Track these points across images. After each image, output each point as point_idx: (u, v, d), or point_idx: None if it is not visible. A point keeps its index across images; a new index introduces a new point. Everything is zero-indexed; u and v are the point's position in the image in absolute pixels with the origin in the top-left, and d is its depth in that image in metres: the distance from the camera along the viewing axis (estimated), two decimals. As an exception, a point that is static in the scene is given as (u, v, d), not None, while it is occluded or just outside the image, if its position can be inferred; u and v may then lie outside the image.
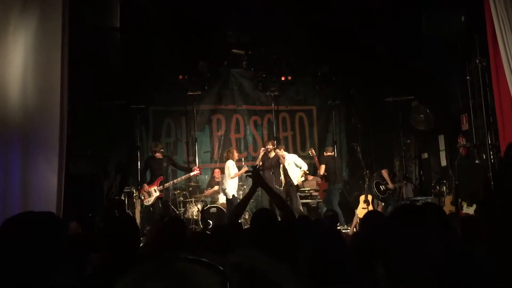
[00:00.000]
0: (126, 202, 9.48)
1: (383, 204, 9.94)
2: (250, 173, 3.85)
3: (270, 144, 9.68)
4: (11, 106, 5.81)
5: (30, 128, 5.98)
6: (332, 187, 10.01)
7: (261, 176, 3.89)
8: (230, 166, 9.64)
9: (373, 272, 1.39)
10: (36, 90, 6.09)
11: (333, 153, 10.31)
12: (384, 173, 9.76)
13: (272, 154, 9.55)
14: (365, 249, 2.76)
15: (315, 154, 10.67)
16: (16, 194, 5.67)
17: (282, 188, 9.51)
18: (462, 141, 8.96)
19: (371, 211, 7.33)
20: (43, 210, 5.13)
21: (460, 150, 8.91)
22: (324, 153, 10.48)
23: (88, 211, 7.55)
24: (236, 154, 9.89)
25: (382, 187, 9.62)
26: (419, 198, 9.68)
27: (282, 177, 9.67)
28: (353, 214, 9.75)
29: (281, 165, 9.66)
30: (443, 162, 10.03)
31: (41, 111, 6.05)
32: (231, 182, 9.44)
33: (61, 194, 6.16)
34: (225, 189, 9.55)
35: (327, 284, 1.99)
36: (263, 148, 9.77)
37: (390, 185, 9.60)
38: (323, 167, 10.07)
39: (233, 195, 9.41)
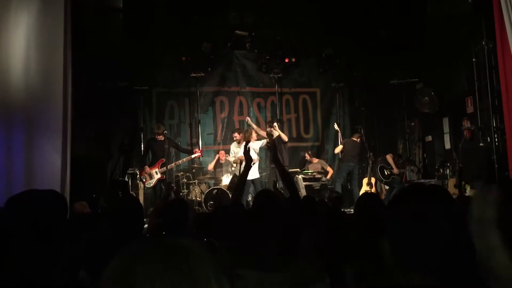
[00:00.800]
0: (130, 183, 9.53)
1: (387, 187, 9.96)
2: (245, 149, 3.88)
3: (272, 125, 9.64)
4: (14, 87, 5.81)
5: (33, 109, 5.98)
6: (341, 164, 10.27)
7: (276, 151, 3.96)
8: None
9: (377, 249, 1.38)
10: (39, 71, 6.07)
11: (358, 139, 10.22)
12: (389, 158, 9.75)
13: (276, 134, 9.51)
14: (362, 228, 2.77)
15: (339, 130, 10.95)
16: (20, 175, 5.69)
17: (287, 168, 9.51)
18: (466, 123, 8.92)
19: (365, 193, 7.39)
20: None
21: (465, 133, 8.88)
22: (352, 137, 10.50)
23: (92, 192, 7.59)
24: (254, 134, 9.79)
25: (386, 172, 9.62)
26: (422, 180, 9.68)
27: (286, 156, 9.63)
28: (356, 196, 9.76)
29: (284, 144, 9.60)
30: (447, 145, 10.00)
31: (44, 92, 6.04)
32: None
33: (65, 174, 6.18)
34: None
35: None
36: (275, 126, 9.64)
37: (395, 170, 9.60)
38: (340, 147, 10.37)
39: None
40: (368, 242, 2.25)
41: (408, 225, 1.30)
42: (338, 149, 10.47)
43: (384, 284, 1.36)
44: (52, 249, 1.55)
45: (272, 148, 3.77)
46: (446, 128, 10.09)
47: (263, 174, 10.11)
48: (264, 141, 9.44)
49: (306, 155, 11.18)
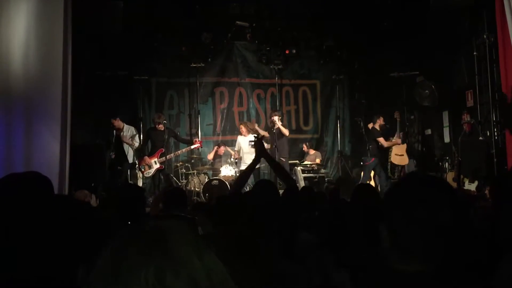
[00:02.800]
0: (129, 173, 9.53)
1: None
2: (253, 142, 3.83)
3: (275, 115, 9.57)
4: (13, 74, 5.79)
5: (32, 96, 5.96)
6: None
7: (263, 146, 3.85)
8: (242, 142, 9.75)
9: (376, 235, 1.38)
10: (38, 59, 6.05)
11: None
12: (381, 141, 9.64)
13: (276, 125, 9.47)
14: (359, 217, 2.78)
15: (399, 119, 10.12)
16: (19, 162, 5.68)
17: (287, 159, 9.50)
18: (466, 117, 8.91)
19: (361, 183, 7.38)
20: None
21: (464, 127, 8.87)
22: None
23: (90, 180, 7.58)
24: (244, 130, 9.88)
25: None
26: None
27: (287, 149, 9.63)
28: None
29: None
30: (447, 139, 10.00)
31: (43, 79, 6.03)
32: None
33: (64, 162, 6.18)
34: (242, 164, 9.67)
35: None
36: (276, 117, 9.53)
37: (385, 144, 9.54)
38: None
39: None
40: (365, 229, 2.25)
41: (408, 212, 1.30)
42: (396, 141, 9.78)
43: (381, 271, 1.35)
44: (36, 234, 1.52)
45: (258, 143, 3.63)
46: (445, 122, 10.08)
47: (262, 165, 10.11)
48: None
49: (304, 146, 11.24)
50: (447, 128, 10.02)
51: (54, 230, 1.52)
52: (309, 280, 1.82)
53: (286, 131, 9.50)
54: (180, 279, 0.79)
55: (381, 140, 9.52)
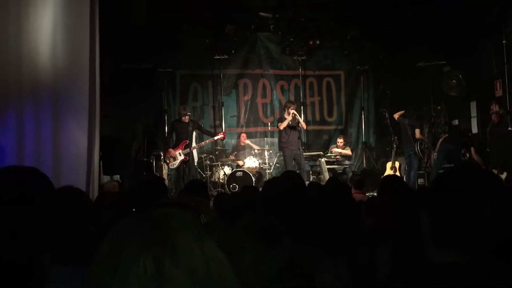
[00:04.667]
0: (154, 165, 9.63)
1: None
2: None
3: (294, 108, 9.45)
4: (41, 67, 5.87)
5: (60, 88, 6.04)
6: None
7: None
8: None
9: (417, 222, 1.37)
10: (65, 51, 6.13)
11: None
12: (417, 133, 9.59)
13: (296, 118, 9.39)
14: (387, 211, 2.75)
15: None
16: (48, 154, 5.78)
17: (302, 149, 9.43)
18: (495, 107, 8.72)
19: (389, 175, 7.31)
20: (73, 170, 5.25)
21: (493, 117, 8.69)
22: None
23: (116, 172, 7.70)
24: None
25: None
26: (447, 165, 9.52)
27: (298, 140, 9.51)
28: (379, 180, 9.68)
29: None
30: (474, 129, 9.81)
31: (70, 72, 6.11)
32: None
33: (91, 154, 6.27)
34: None
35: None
36: (292, 111, 9.38)
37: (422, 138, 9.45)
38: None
39: None
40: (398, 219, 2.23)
41: (452, 203, 1.29)
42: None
43: (416, 260, 1.35)
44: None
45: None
46: (473, 112, 9.88)
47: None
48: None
49: (339, 141, 10.83)
50: (475, 119, 9.82)
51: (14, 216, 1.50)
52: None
53: (304, 124, 9.53)
54: (179, 267, 0.79)
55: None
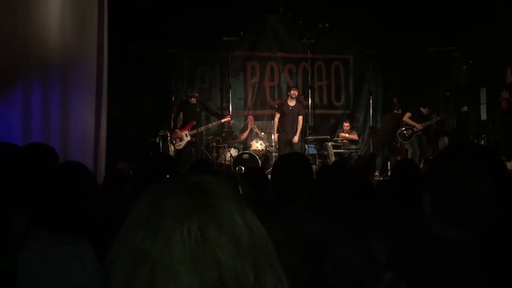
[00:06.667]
0: (161, 145, 9.64)
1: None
2: None
3: (294, 90, 9.48)
4: (50, 45, 5.86)
5: (68, 68, 6.05)
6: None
7: None
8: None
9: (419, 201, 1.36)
10: (74, 30, 6.12)
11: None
12: (406, 118, 9.41)
13: (293, 102, 9.39)
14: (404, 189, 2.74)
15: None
16: (56, 131, 5.80)
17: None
18: (505, 94, 8.64)
19: (402, 159, 7.28)
20: (81, 149, 5.27)
21: (503, 104, 8.61)
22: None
23: (125, 152, 7.71)
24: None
25: (406, 133, 9.36)
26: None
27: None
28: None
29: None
30: (483, 116, 9.74)
31: (78, 50, 6.10)
32: None
33: (99, 134, 6.29)
34: None
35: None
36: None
37: (418, 126, 9.26)
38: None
39: None
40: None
41: (449, 180, 1.28)
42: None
43: (421, 237, 1.35)
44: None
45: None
46: (483, 99, 9.80)
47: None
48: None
49: (345, 125, 10.85)
50: (484, 105, 9.75)
51: None
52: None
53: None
54: (223, 233, 0.79)
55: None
